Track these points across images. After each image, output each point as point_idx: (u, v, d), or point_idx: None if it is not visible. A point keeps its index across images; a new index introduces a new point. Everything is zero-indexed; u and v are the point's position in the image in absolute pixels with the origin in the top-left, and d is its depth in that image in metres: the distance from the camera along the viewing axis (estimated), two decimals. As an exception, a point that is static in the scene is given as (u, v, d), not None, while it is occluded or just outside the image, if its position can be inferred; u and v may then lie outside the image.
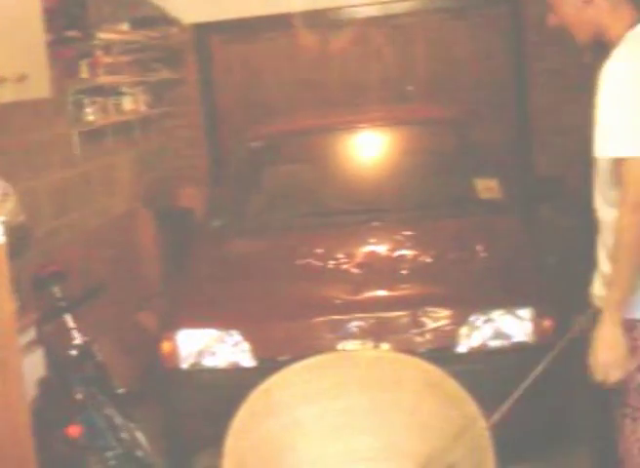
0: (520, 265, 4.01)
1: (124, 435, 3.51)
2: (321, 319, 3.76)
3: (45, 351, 3.24)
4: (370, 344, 3.65)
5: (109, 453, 3.29)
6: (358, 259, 4.16)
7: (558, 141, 6.21)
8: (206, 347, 3.75)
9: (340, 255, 4.19)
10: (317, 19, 6.54)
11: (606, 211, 2.46)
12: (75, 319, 3.64)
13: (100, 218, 5.33)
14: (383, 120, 5.30)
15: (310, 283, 4.02)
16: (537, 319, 3.66)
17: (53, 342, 3.49)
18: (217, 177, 6.43)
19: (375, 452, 2.92)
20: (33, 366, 3.11)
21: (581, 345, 2.58)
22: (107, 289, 3.93)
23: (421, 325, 3.70)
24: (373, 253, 4.24)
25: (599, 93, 2.35)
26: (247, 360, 3.72)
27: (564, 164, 5.87)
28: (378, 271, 4.05)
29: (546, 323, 3.65)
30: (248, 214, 4.86)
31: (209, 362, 3.75)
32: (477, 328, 3.70)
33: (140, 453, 3.53)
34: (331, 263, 4.13)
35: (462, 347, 3.69)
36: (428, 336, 3.68)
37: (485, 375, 3.57)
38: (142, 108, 6.02)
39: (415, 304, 3.76)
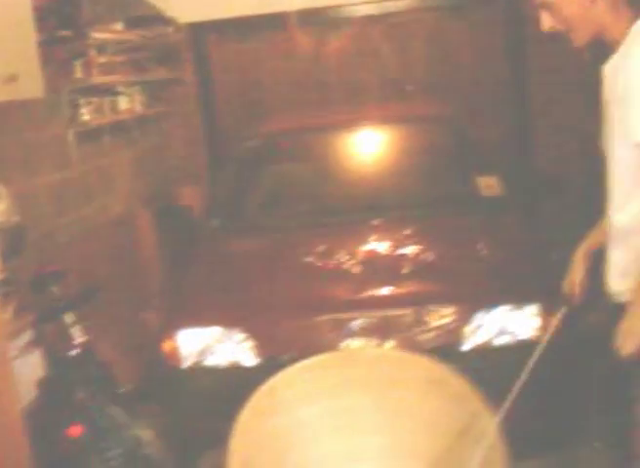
0: (524, 261, 3.96)
1: (128, 434, 3.46)
2: (324, 317, 3.71)
3: (44, 351, 3.19)
4: (374, 342, 3.60)
5: (111, 453, 3.24)
6: (360, 257, 4.11)
7: (557, 139, 6.19)
8: (207, 346, 3.71)
9: (341, 254, 4.14)
10: (314, 18, 6.51)
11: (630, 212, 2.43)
12: (75, 318, 3.61)
13: (99, 218, 5.28)
14: (382, 118, 5.27)
15: (313, 281, 3.97)
16: (543, 315, 3.61)
17: (53, 342, 3.45)
18: (215, 176, 6.39)
19: (380, 452, 2.89)
20: (32, 366, 3.08)
21: (593, 341, 2.55)
22: (104, 289, 3.89)
23: (425, 323, 3.65)
24: (374, 252, 4.19)
25: (628, 83, 2.33)
26: (249, 359, 3.67)
27: (563, 161, 5.86)
28: (380, 269, 4.00)
29: (553, 319, 3.59)
30: (247, 213, 4.82)
31: (210, 361, 3.71)
32: (482, 325, 3.66)
33: (144, 452, 3.49)
34: (333, 262, 4.09)
35: (467, 345, 3.64)
36: (432, 334, 3.64)
37: (490, 373, 3.51)
38: (139, 108, 5.98)
39: (418, 302, 3.72)
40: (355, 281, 3.91)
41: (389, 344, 3.60)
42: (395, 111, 5.58)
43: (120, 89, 5.68)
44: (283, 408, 2.83)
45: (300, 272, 4.06)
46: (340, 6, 6.53)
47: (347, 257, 4.10)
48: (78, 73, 5.04)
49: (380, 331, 3.64)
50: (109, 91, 5.53)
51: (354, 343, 3.61)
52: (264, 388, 2.79)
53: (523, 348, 3.62)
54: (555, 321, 3.01)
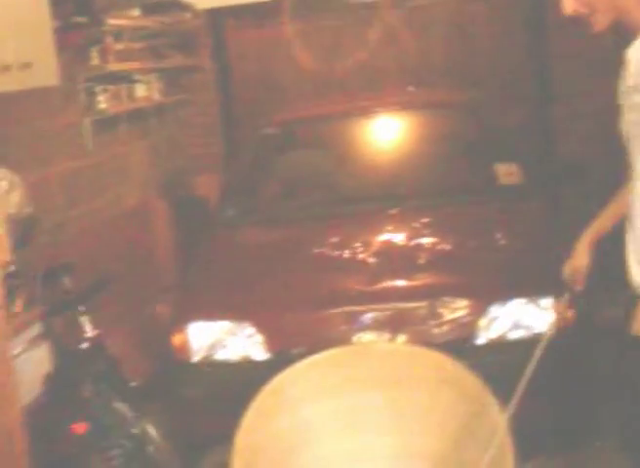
0: (542, 253, 3.88)
1: (135, 430, 3.44)
2: (336, 310, 3.67)
3: (52, 345, 3.16)
4: (386, 336, 3.55)
5: (115, 451, 3.21)
6: (374, 248, 4.05)
7: (580, 125, 6.08)
8: (218, 340, 3.67)
9: (356, 244, 4.09)
10: (333, 3, 6.42)
11: None
12: (87, 312, 3.58)
13: (114, 209, 5.26)
14: (400, 105, 5.19)
15: (325, 273, 3.91)
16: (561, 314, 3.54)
17: (61, 336, 3.43)
18: (231, 165, 6.34)
19: (389, 450, 2.85)
20: (39, 361, 3.05)
21: (608, 337, 2.50)
22: (115, 281, 3.86)
23: (439, 316, 3.60)
24: (389, 242, 4.13)
25: None
26: (260, 353, 3.63)
27: (586, 148, 5.75)
28: (394, 260, 3.95)
29: (569, 313, 3.53)
30: (262, 203, 4.77)
31: (221, 355, 3.67)
32: (497, 318, 3.59)
33: (150, 449, 3.46)
34: (346, 253, 4.03)
35: (482, 339, 3.58)
36: (446, 328, 3.58)
37: (505, 368, 3.44)
38: (156, 96, 5.93)
39: (432, 294, 3.66)
40: (368, 272, 3.85)
41: (402, 338, 3.54)
42: (413, 98, 5.50)
43: (137, 76, 5.64)
44: (289, 406, 2.79)
45: (312, 264, 4.01)
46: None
47: (361, 248, 4.04)
48: (94, 60, 5.01)
49: (393, 324, 3.58)
50: (126, 78, 5.49)
51: (366, 337, 3.56)
52: (270, 387, 2.75)
53: (538, 342, 3.57)
54: (559, 307, 2.95)
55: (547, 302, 3.56)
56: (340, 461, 2.81)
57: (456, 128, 5.00)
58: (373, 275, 3.82)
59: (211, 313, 3.76)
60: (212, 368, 3.68)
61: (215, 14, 6.58)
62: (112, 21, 5.05)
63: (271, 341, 3.61)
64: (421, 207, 4.43)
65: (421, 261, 3.92)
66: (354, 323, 3.60)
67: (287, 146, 5.09)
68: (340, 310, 3.66)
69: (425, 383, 2.81)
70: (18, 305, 3.03)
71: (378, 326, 3.58)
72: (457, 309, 3.61)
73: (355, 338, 3.56)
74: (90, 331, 3.54)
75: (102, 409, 3.29)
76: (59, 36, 4.16)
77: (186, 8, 6.28)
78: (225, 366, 3.67)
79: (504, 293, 3.63)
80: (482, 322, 3.59)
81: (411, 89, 5.90)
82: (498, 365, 3.40)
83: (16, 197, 3.24)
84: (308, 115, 5.24)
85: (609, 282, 2.92)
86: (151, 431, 3.50)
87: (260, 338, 3.62)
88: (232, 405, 2.70)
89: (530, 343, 3.54)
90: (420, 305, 3.63)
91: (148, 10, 5.71)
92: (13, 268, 3.04)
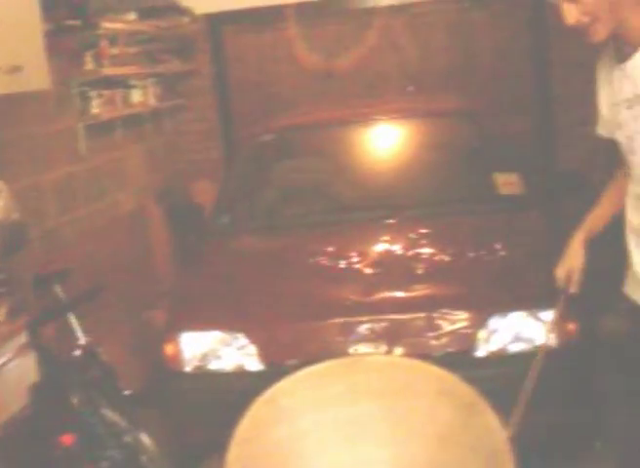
0: (543, 264, 3.80)
1: (127, 439, 3.37)
2: (332, 321, 3.59)
3: (40, 354, 3.09)
4: (383, 348, 3.48)
5: (104, 464, 3.14)
6: (371, 258, 3.98)
7: (581, 134, 6.01)
8: (211, 350, 3.59)
9: (352, 254, 4.01)
10: (333, 8, 6.37)
11: None
12: (79, 319, 3.51)
13: (109, 215, 5.20)
14: (399, 112, 5.12)
15: (320, 283, 3.83)
16: (560, 321, 3.47)
17: (52, 344, 3.36)
18: (227, 172, 6.28)
19: (387, 462, 2.78)
20: (25, 371, 2.97)
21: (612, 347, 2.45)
22: (112, 288, 3.80)
23: (437, 327, 3.52)
24: (387, 252, 4.05)
25: None
26: (253, 364, 3.55)
27: (587, 157, 5.69)
28: (392, 271, 3.87)
29: (570, 326, 3.46)
30: (256, 211, 4.70)
31: (214, 365, 3.60)
32: (496, 331, 3.52)
33: (144, 458, 3.39)
34: (342, 262, 3.96)
35: (481, 351, 3.51)
36: (445, 340, 3.51)
37: (505, 381, 3.38)
38: (152, 101, 5.87)
39: (430, 306, 3.59)
40: (365, 283, 3.78)
41: (399, 350, 3.47)
42: (413, 105, 5.42)
43: (133, 81, 5.58)
44: (284, 417, 2.73)
45: (307, 273, 3.93)
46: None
47: (358, 258, 3.97)
48: (89, 65, 4.94)
49: (390, 336, 3.51)
50: (122, 83, 5.43)
51: (362, 349, 3.48)
52: (265, 397, 2.69)
53: (536, 354, 3.50)
54: (555, 312, 2.90)
55: (548, 315, 3.49)
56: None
57: (455, 136, 4.93)
58: (369, 285, 3.75)
59: (203, 323, 3.68)
60: (204, 378, 3.59)
61: (213, 18, 6.52)
62: (107, 25, 4.98)
63: (265, 352, 3.54)
64: (420, 216, 4.35)
65: (419, 272, 3.85)
66: (350, 334, 3.52)
67: (283, 153, 5.02)
68: (335, 321, 3.59)
69: (424, 395, 2.75)
70: (1, 314, 2.96)
71: (374, 337, 3.51)
72: (455, 321, 3.54)
73: (351, 350, 3.48)
74: (82, 338, 3.49)
75: (92, 419, 3.22)
76: (52, 40, 4.11)
77: (184, 12, 6.23)
78: (218, 376, 3.59)
79: (504, 305, 3.56)
80: (481, 334, 3.52)
81: (410, 89, 5.83)
82: (497, 378, 3.36)
83: (1, 203, 3.17)
84: (305, 121, 5.17)
85: (604, 286, 2.86)
86: (145, 440, 3.44)
87: (253, 349, 3.55)
88: (225, 415, 2.63)
89: (530, 357, 3.52)
90: (417, 316, 3.56)
91: (145, 14, 5.64)
92: (-4, 276, 2.99)
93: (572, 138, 6.12)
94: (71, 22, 4.53)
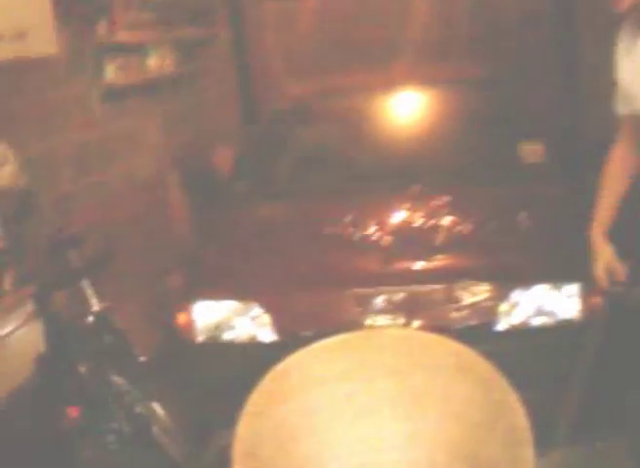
0: (567, 236, 3.69)
1: (139, 409, 3.29)
2: (348, 292, 3.51)
3: (48, 323, 3.01)
4: (401, 320, 3.39)
5: (112, 437, 3.06)
6: (390, 228, 3.87)
7: (608, 103, 5.86)
8: (224, 320, 3.52)
9: (371, 223, 3.90)
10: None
11: None
12: (93, 286, 3.43)
13: (125, 181, 5.12)
14: (421, 79, 4.99)
15: (338, 253, 3.73)
16: (584, 295, 3.36)
17: (64, 312, 3.28)
18: (245, 139, 6.19)
19: (402, 437, 2.70)
20: (32, 340, 2.90)
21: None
22: (121, 253, 3.71)
23: (457, 300, 3.44)
24: (407, 222, 3.93)
25: None
26: (267, 334, 3.48)
27: (614, 126, 5.54)
28: (411, 241, 3.76)
29: (595, 299, 3.34)
30: (274, 178, 4.60)
31: (227, 335, 3.53)
32: (518, 304, 3.43)
33: (155, 429, 3.31)
34: (361, 232, 3.84)
35: (502, 325, 3.43)
36: (465, 313, 3.42)
37: (526, 356, 3.32)
38: (169, 67, 5.76)
39: (451, 277, 3.50)
40: (383, 253, 3.67)
41: (417, 323, 3.37)
42: (436, 72, 5.29)
43: (149, 47, 5.48)
44: (296, 391, 2.65)
45: (325, 242, 3.81)
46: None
47: (376, 227, 3.86)
48: (103, 30, 4.85)
49: (409, 307, 3.43)
50: (138, 49, 5.33)
51: (380, 321, 3.39)
52: (276, 370, 2.60)
53: (561, 330, 3.40)
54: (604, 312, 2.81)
55: (572, 289, 3.39)
56: (350, 449, 2.68)
57: (478, 104, 4.80)
58: (388, 256, 3.65)
59: (216, 292, 3.61)
60: (217, 348, 3.52)
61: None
62: (122, -10, 4.89)
63: (279, 323, 3.46)
64: (441, 185, 4.22)
65: (440, 243, 3.73)
66: (367, 306, 3.44)
67: (302, 120, 4.90)
68: (352, 292, 3.50)
69: (441, 371, 2.66)
70: (7, 283, 2.89)
71: (392, 309, 3.43)
72: (476, 293, 3.45)
73: (368, 322, 3.41)
74: (95, 304, 3.41)
75: (101, 390, 3.13)
76: (65, 5, 4.03)
77: (202, -24, 6.10)
78: (232, 347, 3.53)
79: (527, 278, 3.47)
80: (503, 307, 3.43)
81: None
82: (519, 352, 3.28)
83: (7, 169, 3.11)
84: (326, 88, 5.05)
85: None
86: (158, 410, 3.36)
87: (267, 319, 3.47)
88: (238, 387, 2.54)
89: (552, 331, 3.42)
90: (437, 288, 3.47)
91: (161, -23, 5.53)
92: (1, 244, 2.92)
93: (600, 107, 5.96)
94: (85, -13, 4.44)
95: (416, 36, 6.31)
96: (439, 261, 3.64)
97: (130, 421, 3.19)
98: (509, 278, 3.48)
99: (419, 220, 3.94)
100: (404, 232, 3.84)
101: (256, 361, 2.74)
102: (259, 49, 6.56)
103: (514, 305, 3.43)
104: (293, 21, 6.50)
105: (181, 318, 3.57)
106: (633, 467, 3.21)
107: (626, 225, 2.88)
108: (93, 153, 4.77)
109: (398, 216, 3.98)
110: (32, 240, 3.47)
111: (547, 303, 3.42)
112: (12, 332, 2.82)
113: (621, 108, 2.60)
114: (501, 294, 3.43)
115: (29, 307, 2.93)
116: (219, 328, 3.53)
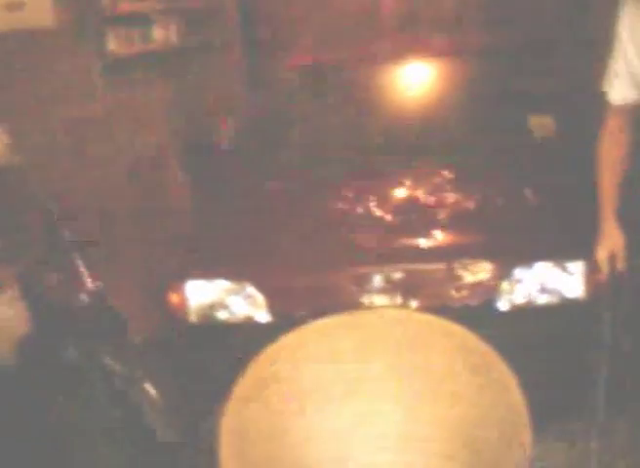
0: (572, 213, 3.58)
1: (131, 392, 3.21)
2: (345, 270, 3.42)
3: (33, 303, 2.93)
4: (399, 300, 3.29)
5: (98, 429, 2.98)
6: (392, 203, 3.77)
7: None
8: (217, 300, 3.43)
9: (372, 199, 3.80)
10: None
11: None
12: (89, 264, 3.35)
13: (126, 155, 5.04)
14: (428, 50, 4.84)
15: (336, 230, 3.62)
16: (588, 273, 3.25)
17: (55, 291, 3.21)
18: (248, 111, 6.08)
19: (396, 416, 2.63)
20: (14, 321, 2.82)
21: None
22: (126, 231, 3.64)
23: (458, 278, 3.33)
24: (408, 197, 3.83)
25: None
26: (262, 314, 3.39)
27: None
28: (412, 217, 3.67)
29: (599, 277, 3.24)
30: (276, 151, 4.48)
31: (220, 316, 3.44)
32: (521, 282, 3.33)
33: (147, 411, 3.23)
34: (361, 208, 3.75)
35: (504, 303, 3.33)
36: (465, 292, 3.32)
37: (529, 335, 3.22)
38: (174, 38, 5.66)
39: (451, 255, 3.39)
40: (383, 230, 3.58)
41: (416, 302, 3.28)
42: (443, 43, 5.13)
43: (153, 18, 5.38)
44: (287, 374, 2.55)
45: (322, 219, 3.71)
46: None
47: (378, 203, 3.75)
48: (105, 1, 4.77)
49: (407, 287, 3.33)
50: (142, 20, 5.24)
51: (377, 300, 3.30)
52: (266, 353, 2.51)
53: (564, 308, 3.31)
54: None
55: (575, 266, 3.29)
56: (342, 429, 2.61)
57: (486, 76, 4.64)
58: (387, 233, 3.55)
59: (210, 271, 3.51)
60: (210, 329, 3.44)
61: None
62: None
63: (273, 303, 3.37)
64: (445, 161, 4.10)
65: (441, 219, 3.63)
66: (364, 285, 3.34)
67: (306, 92, 4.77)
68: (349, 270, 3.41)
69: (439, 352, 2.56)
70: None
71: (390, 288, 3.33)
72: (477, 271, 3.34)
73: (365, 301, 3.31)
74: (89, 283, 3.32)
75: (90, 375, 3.05)
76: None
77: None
78: (225, 327, 3.44)
79: (530, 255, 3.36)
80: (505, 285, 3.32)
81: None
82: (522, 331, 3.20)
83: None
84: (332, 59, 4.91)
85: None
86: (151, 392, 3.28)
87: (261, 299, 3.38)
88: (231, 368, 2.46)
89: (555, 309, 3.32)
90: (436, 266, 3.37)
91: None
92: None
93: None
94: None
95: (425, 7, 6.18)
96: (439, 239, 3.54)
97: (120, 409, 3.12)
98: (511, 255, 3.38)
99: (421, 197, 3.84)
100: (405, 208, 3.74)
101: (249, 341, 2.66)
102: (266, 17, 6.43)
103: (516, 283, 3.33)
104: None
105: (174, 297, 3.47)
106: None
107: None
108: (94, 127, 4.70)
109: (400, 193, 3.88)
110: (26, 217, 3.40)
111: (550, 281, 3.32)
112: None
113: (627, 95, 2.45)
114: (503, 272, 3.32)
115: (14, 288, 2.85)
116: (212, 308, 3.44)
